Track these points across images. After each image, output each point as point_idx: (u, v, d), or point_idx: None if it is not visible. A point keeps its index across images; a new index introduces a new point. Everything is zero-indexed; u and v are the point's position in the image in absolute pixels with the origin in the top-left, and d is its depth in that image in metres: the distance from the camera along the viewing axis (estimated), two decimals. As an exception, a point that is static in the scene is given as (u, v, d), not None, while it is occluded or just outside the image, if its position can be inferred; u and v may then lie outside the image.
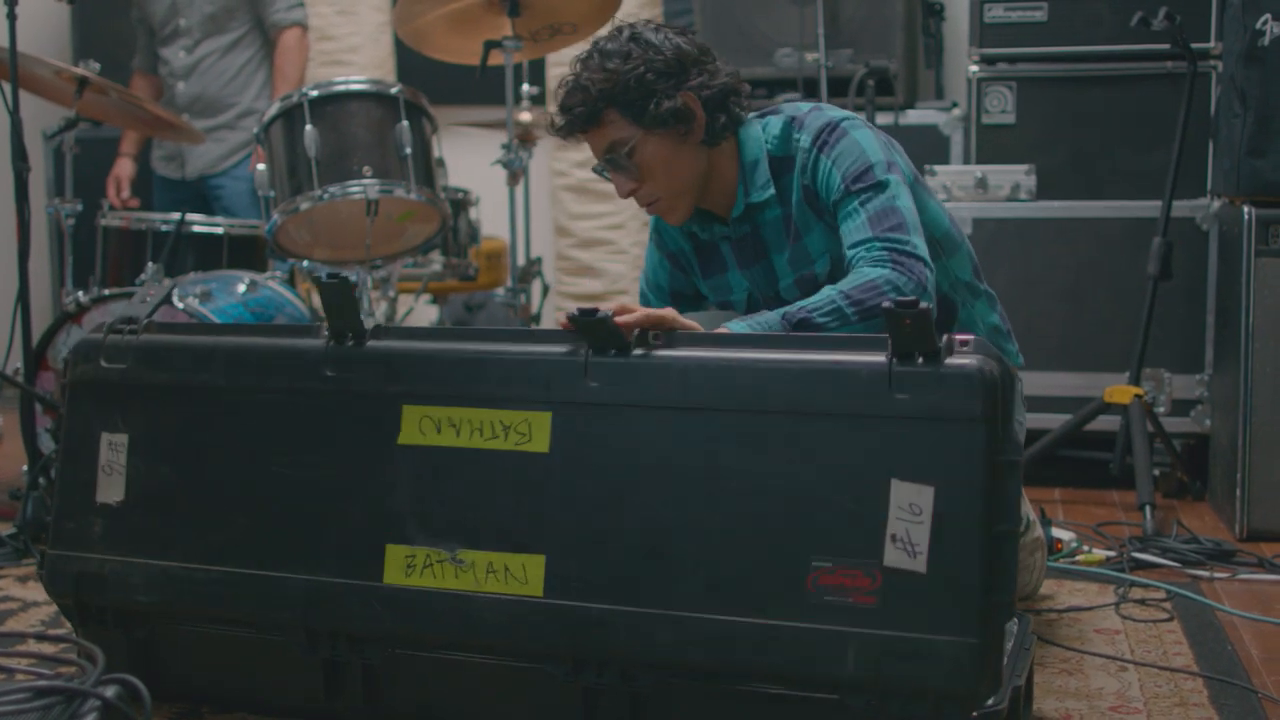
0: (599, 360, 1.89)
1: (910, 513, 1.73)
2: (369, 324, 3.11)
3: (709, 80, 2.31)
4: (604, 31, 2.38)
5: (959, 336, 1.75)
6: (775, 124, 2.38)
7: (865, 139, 2.31)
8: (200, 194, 4.45)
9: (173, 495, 2.13)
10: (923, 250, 2.23)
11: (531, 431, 1.92)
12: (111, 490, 2.15)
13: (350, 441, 2.02)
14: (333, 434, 2.04)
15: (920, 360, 1.75)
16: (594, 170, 2.42)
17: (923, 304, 1.69)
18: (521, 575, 1.91)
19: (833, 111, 2.36)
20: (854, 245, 2.24)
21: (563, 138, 2.39)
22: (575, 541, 1.89)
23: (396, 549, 1.98)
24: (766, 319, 2.14)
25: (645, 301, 2.56)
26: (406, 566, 1.97)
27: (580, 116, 2.28)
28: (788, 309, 2.16)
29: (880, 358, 1.77)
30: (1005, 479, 1.73)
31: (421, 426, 1.98)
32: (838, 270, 2.32)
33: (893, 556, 1.74)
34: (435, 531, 1.97)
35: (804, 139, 2.32)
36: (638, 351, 1.89)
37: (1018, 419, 2.53)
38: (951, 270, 2.48)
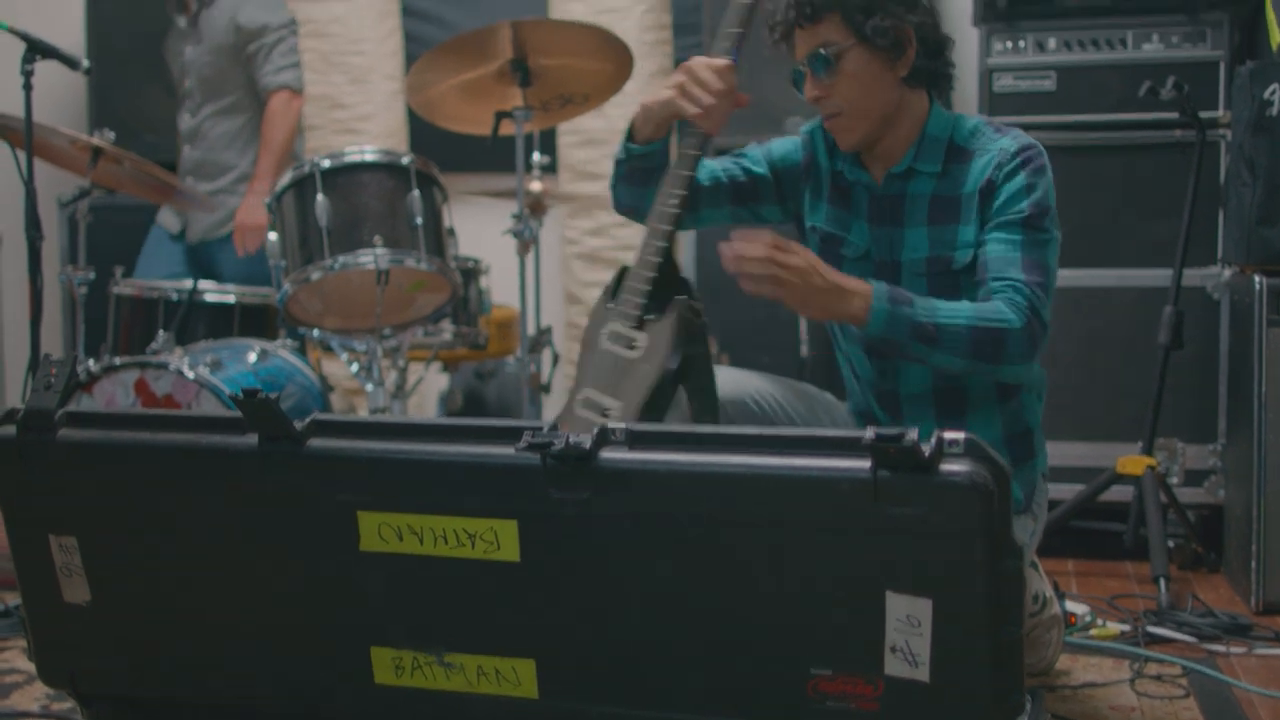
0: (560, 467, 1.77)
1: (909, 624, 1.66)
2: (379, 396, 3.09)
3: (932, 23, 2.39)
4: None
5: (948, 436, 1.64)
6: (970, 119, 2.44)
7: (1052, 185, 2.38)
8: (198, 257, 4.43)
9: (140, 595, 2.06)
10: (1049, 316, 2.31)
11: (499, 540, 1.82)
12: (76, 591, 2.07)
13: (310, 546, 1.94)
14: (288, 538, 1.95)
15: (909, 469, 1.64)
16: (791, 77, 2.43)
17: (909, 435, 1.61)
18: (514, 678, 1.85)
19: (1037, 144, 2.42)
20: (1001, 277, 2.28)
21: (781, 34, 2.41)
22: (564, 648, 1.83)
23: (382, 651, 1.91)
24: (903, 312, 2.20)
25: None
26: (395, 668, 1.91)
27: (807, 7, 2.33)
28: (921, 309, 2.21)
29: (866, 464, 1.65)
30: (1006, 585, 1.65)
31: (381, 533, 1.87)
32: (971, 268, 2.34)
33: (894, 666, 1.68)
34: (417, 636, 1.89)
35: (1007, 144, 2.36)
36: (604, 455, 1.77)
37: (1035, 505, 2.53)
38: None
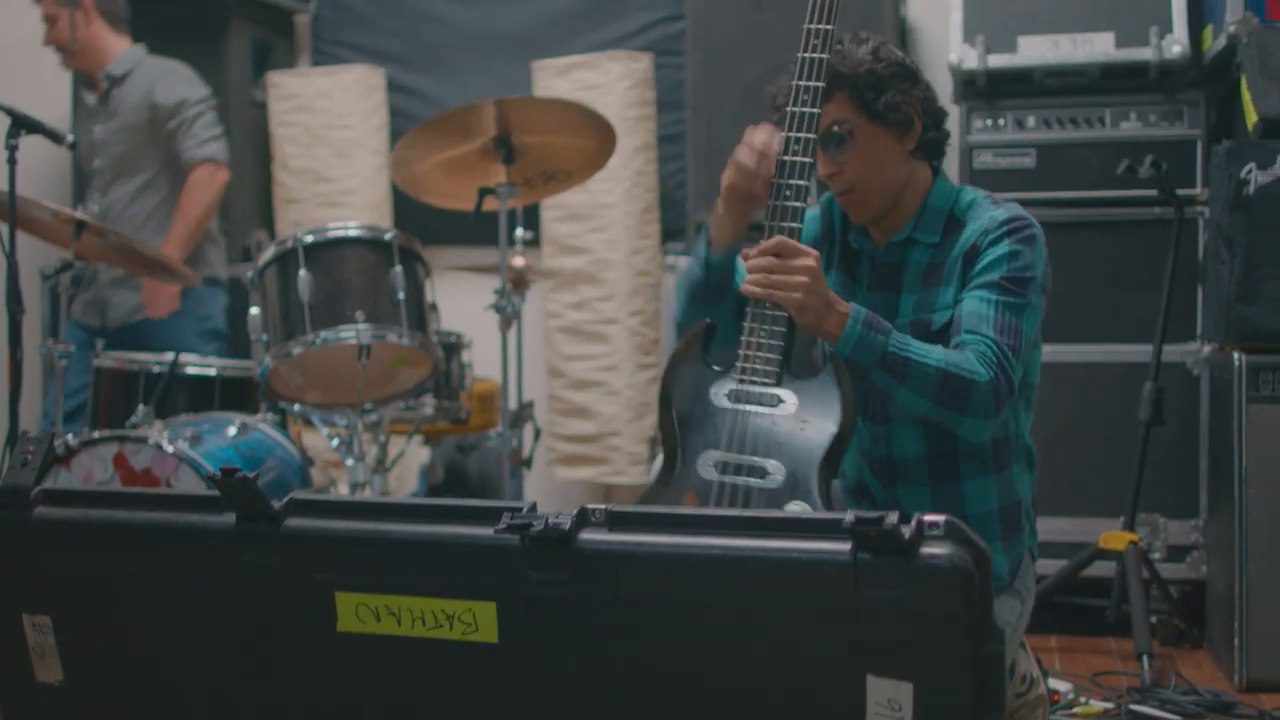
0: (539, 549, 1.74)
1: (890, 708, 1.64)
2: (359, 471, 3.07)
3: (933, 95, 2.44)
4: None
5: (928, 519, 1.62)
6: (971, 192, 2.46)
7: (1041, 257, 2.39)
8: (121, 343, 4.26)
9: (115, 675, 2.02)
10: (1017, 380, 2.30)
11: (477, 622, 1.79)
12: (49, 671, 2.03)
13: (287, 626, 1.91)
14: (265, 618, 1.92)
15: (890, 552, 1.62)
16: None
17: (888, 519, 1.60)
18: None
19: (1029, 217, 2.44)
20: (974, 331, 2.30)
21: (777, 107, 2.42)
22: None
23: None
24: (875, 338, 2.22)
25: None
26: (383, 749, 1.89)
27: (814, 89, 2.34)
28: (895, 341, 2.23)
29: (846, 546, 1.63)
30: (988, 669, 1.63)
31: (359, 614, 1.84)
32: (948, 329, 2.35)
33: (875, 751, 1.66)
34: (396, 718, 1.87)
35: (999, 214, 2.37)
36: (584, 536, 1.74)
37: (1022, 585, 2.52)
38: (1022, 425, 2.50)
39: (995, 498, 2.44)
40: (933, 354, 2.24)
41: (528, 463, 3.98)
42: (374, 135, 5.15)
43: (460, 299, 4.29)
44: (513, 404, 3.93)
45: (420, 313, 3.52)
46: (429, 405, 3.88)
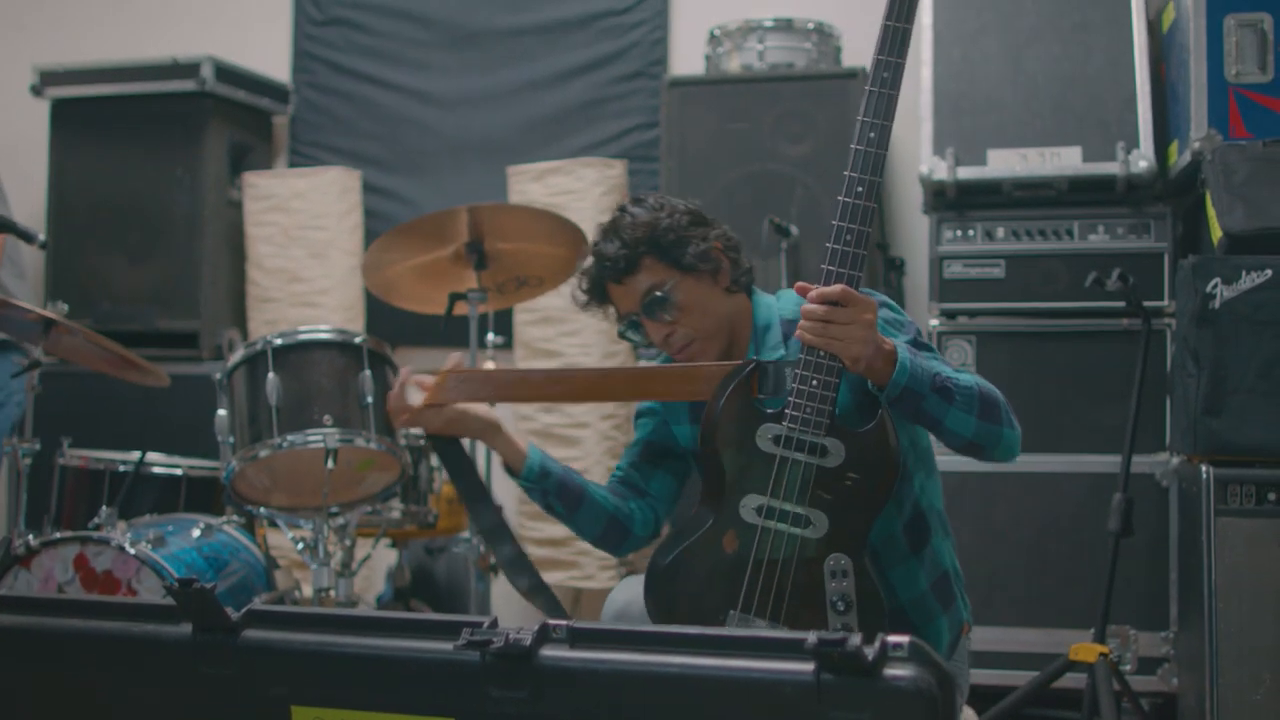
0: (499, 665, 1.72)
1: None
2: (324, 576, 3.03)
3: (726, 233, 2.51)
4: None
5: (892, 640, 1.62)
6: (785, 292, 2.53)
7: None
8: None
9: None
10: None
11: None
12: None
13: None
14: None
15: (853, 673, 1.60)
16: (619, 332, 2.53)
17: (851, 641, 1.59)
18: None
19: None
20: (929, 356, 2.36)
21: (591, 298, 2.52)
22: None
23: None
24: (923, 365, 2.24)
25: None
26: None
27: (621, 261, 2.42)
28: (936, 365, 2.27)
29: (809, 667, 1.62)
30: None
31: None
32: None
33: None
34: None
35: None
36: (545, 653, 1.73)
37: (959, 670, 2.51)
38: (932, 495, 2.51)
39: (924, 578, 2.45)
40: (962, 374, 2.30)
41: (495, 569, 3.94)
42: (349, 236, 5.17)
43: (431, 401, 4.27)
44: (481, 508, 3.89)
45: (388, 417, 3.50)
46: (396, 509, 3.85)
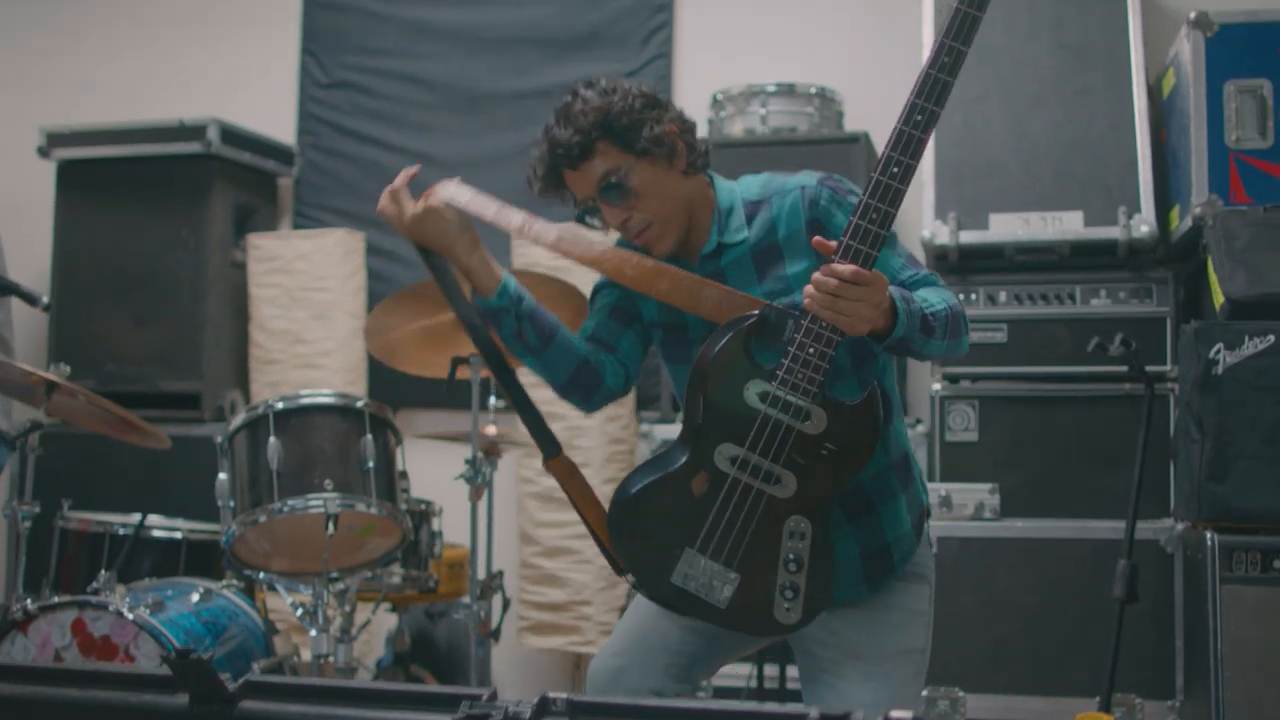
0: None
1: None
2: (323, 643, 3.00)
3: (681, 115, 2.48)
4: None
5: (894, 715, 1.60)
6: (749, 178, 2.51)
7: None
8: None
9: None
10: None
11: None
12: None
13: None
14: None
15: None
16: (577, 217, 2.51)
17: (855, 714, 1.56)
18: None
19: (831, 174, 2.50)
20: (913, 276, 2.40)
21: (547, 184, 2.48)
22: None
23: None
24: (914, 309, 2.27)
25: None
26: None
27: (575, 147, 2.39)
28: (917, 300, 2.29)
29: None
30: None
31: None
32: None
33: None
34: None
35: (805, 179, 2.43)
36: None
37: (927, 570, 2.54)
38: (889, 377, 2.51)
39: (884, 456, 2.45)
40: (930, 298, 2.32)
41: (496, 634, 3.91)
42: (352, 298, 5.18)
43: (433, 462, 4.27)
44: (481, 573, 3.88)
45: (390, 481, 3.50)
46: (397, 574, 3.82)
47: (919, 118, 2.21)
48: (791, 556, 2.29)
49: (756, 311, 2.31)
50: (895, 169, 2.21)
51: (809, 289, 2.22)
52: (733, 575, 2.31)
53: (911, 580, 2.48)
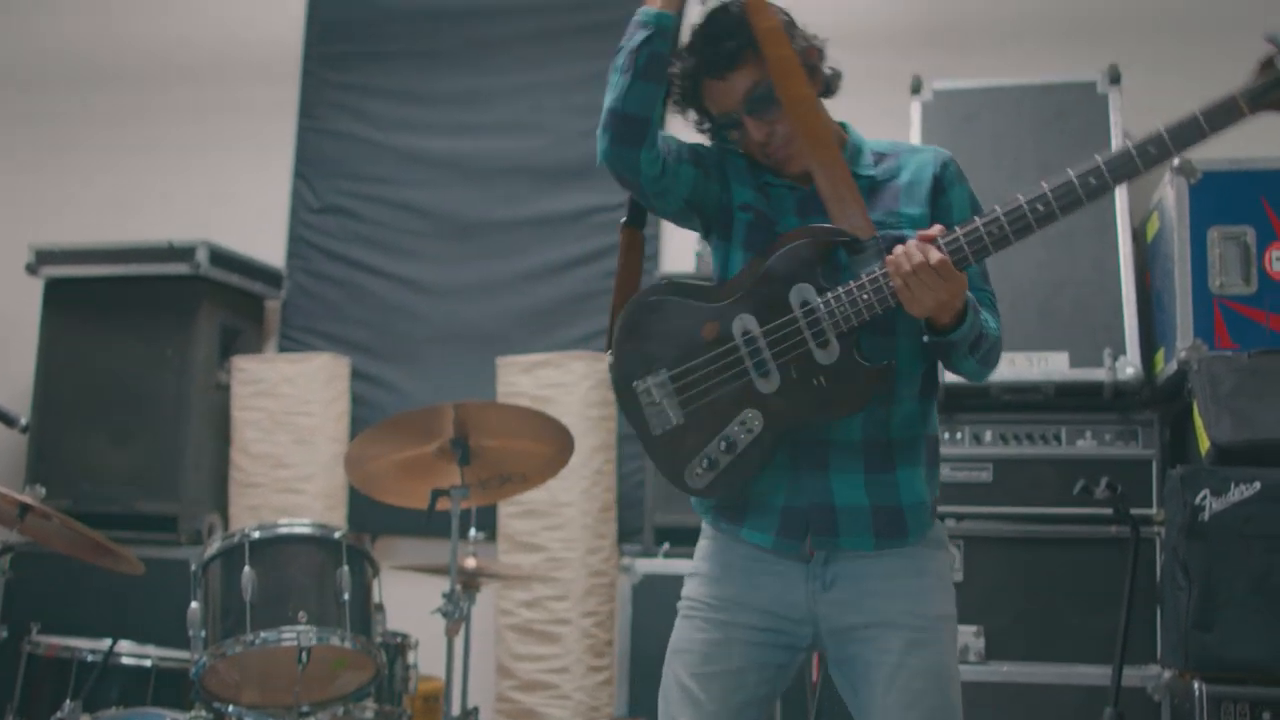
0: None
1: None
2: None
3: (815, 36, 2.50)
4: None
5: None
6: (880, 140, 2.54)
7: None
8: None
9: None
10: None
11: None
12: None
13: None
14: None
15: None
16: (713, 133, 2.48)
17: None
18: None
19: None
20: (981, 289, 2.45)
21: (684, 98, 2.45)
22: None
23: None
24: (973, 327, 2.32)
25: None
26: None
27: (731, 52, 2.37)
28: (981, 331, 2.35)
29: None
30: None
31: None
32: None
33: None
34: None
35: (940, 151, 2.50)
36: None
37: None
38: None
39: (928, 425, 2.47)
40: (990, 323, 2.40)
41: (471, 774, 3.82)
42: (335, 423, 5.15)
43: (411, 593, 4.21)
44: (456, 709, 3.80)
45: (365, 614, 3.45)
46: (370, 709, 3.74)
47: (1092, 181, 2.26)
48: (730, 438, 2.36)
49: (857, 237, 2.34)
50: (1041, 206, 2.26)
51: (899, 249, 2.24)
52: (679, 416, 2.39)
53: (935, 546, 2.46)
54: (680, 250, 5.13)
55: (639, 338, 2.43)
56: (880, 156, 2.50)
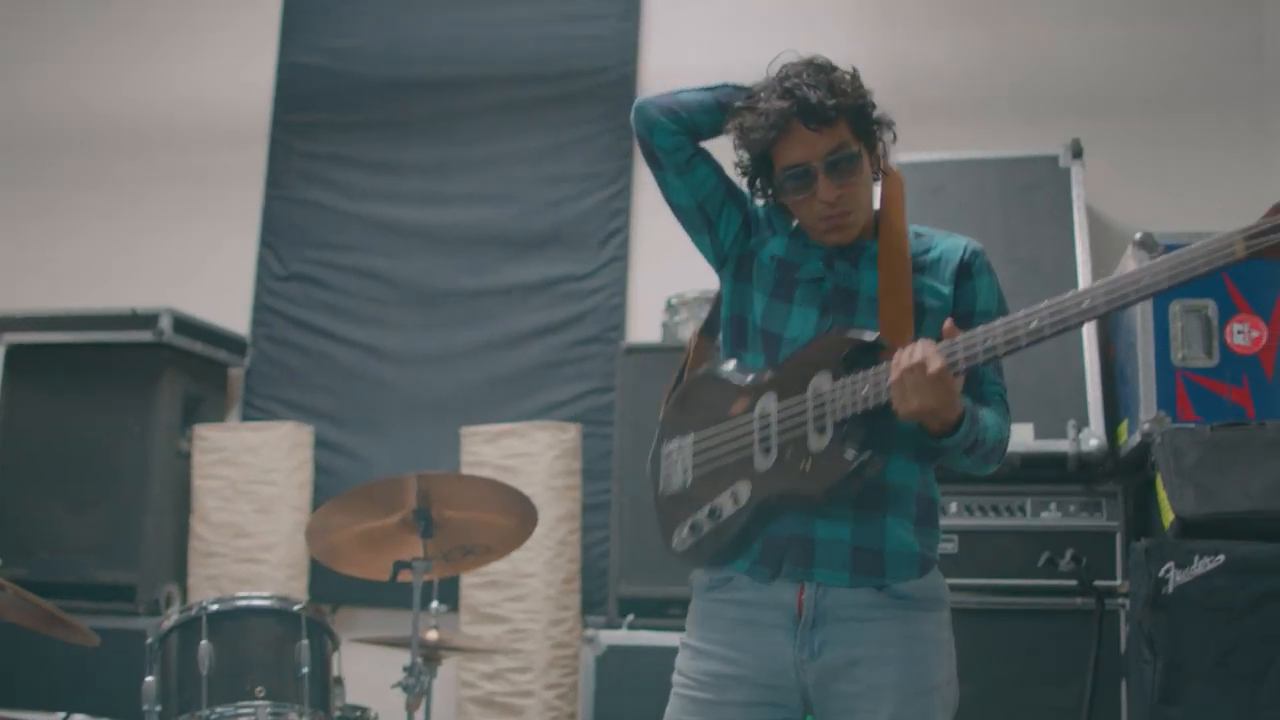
0: None
1: None
2: None
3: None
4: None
5: None
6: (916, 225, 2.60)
7: None
8: None
9: None
10: None
11: None
12: None
13: None
14: None
15: None
16: (778, 180, 2.48)
17: None
18: None
19: None
20: (994, 383, 2.53)
21: (767, 133, 2.43)
22: None
23: None
24: (968, 433, 2.31)
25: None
26: None
27: (829, 109, 2.40)
28: (977, 438, 2.35)
29: None
30: None
31: None
32: (936, 316, 2.43)
33: None
34: None
35: (971, 241, 2.55)
36: None
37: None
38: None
39: (926, 486, 2.48)
40: (991, 426, 2.40)
41: None
42: (297, 492, 5.11)
43: (371, 665, 4.14)
44: (415, 787, 3.74)
45: (324, 688, 3.40)
46: (327, 786, 3.68)
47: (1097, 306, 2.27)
48: (717, 506, 2.43)
49: (884, 343, 2.36)
50: (1050, 325, 2.25)
51: (902, 352, 2.26)
52: (688, 479, 2.51)
53: (930, 607, 2.49)
54: (647, 323, 5.15)
55: (684, 406, 2.58)
56: (916, 236, 2.57)
